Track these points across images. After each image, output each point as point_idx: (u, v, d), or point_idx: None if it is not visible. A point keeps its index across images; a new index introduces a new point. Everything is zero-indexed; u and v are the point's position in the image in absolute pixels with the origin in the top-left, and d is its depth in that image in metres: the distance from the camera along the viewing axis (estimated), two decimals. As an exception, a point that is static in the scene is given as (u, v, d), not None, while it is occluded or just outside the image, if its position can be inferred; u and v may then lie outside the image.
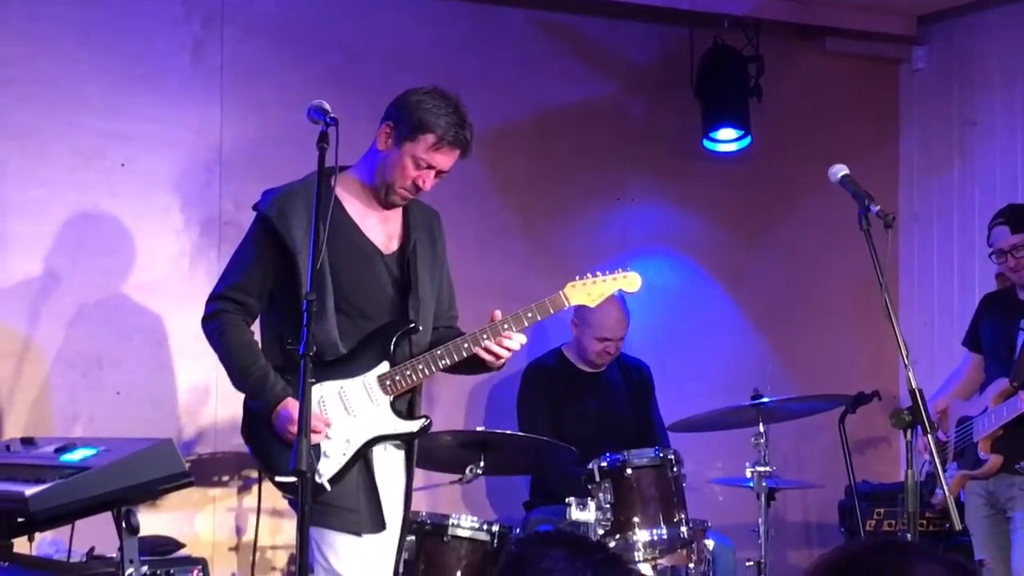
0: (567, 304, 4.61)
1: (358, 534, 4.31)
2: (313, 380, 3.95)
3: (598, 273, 4.65)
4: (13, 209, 5.90)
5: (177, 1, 6.23)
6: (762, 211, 7.43)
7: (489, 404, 6.72)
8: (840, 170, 4.51)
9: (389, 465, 4.47)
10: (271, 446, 4.34)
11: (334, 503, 4.29)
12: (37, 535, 4.61)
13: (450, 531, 5.17)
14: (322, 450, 4.28)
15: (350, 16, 6.58)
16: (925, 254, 7.58)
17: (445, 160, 4.39)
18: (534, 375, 6.36)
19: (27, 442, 4.35)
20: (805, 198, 7.33)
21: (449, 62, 6.74)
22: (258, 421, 4.38)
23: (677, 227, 7.28)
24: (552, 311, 4.57)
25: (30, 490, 3.81)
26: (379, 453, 4.43)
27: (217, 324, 4.41)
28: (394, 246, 4.50)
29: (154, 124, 6.14)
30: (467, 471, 5.17)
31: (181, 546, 5.65)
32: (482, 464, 5.17)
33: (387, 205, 4.48)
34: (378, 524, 4.34)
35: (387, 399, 4.40)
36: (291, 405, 4.25)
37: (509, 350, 4.48)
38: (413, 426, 4.45)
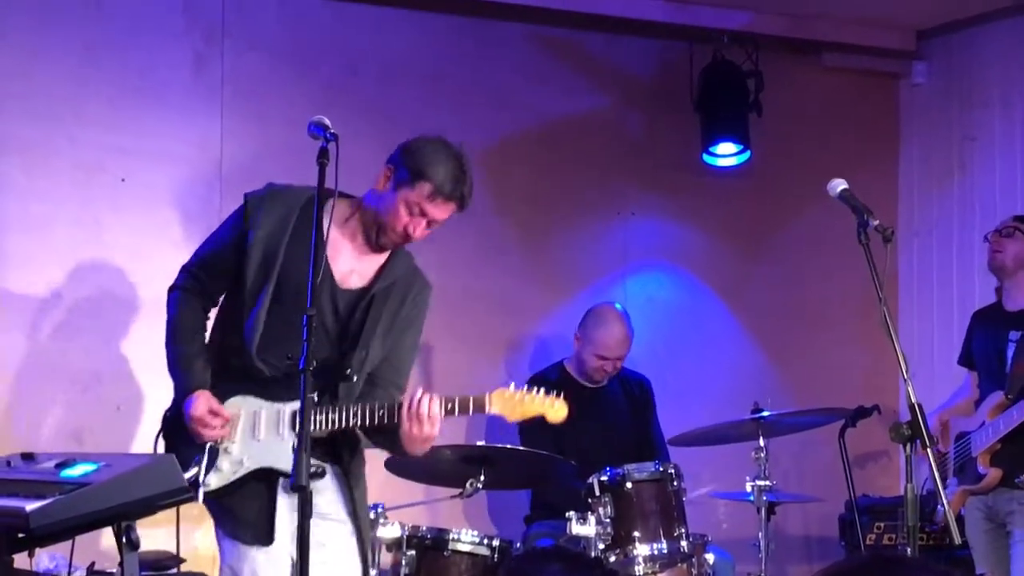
0: (487, 408, 4.34)
1: (247, 543, 4.27)
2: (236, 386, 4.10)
3: (532, 390, 4.40)
4: (14, 224, 5.92)
5: (178, 15, 6.25)
6: (762, 225, 7.44)
7: (490, 418, 6.68)
8: (839, 184, 4.51)
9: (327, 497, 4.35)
10: (178, 443, 4.30)
11: (235, 511, 4.28)
12: (37, 550, 4.60)
13: (450, 545, 5.17)
14: (216, 461, 4.26)
15: (351, 31, 6.60)
16: (924, 268, 7.59)
17: (439, 212, 4.30)
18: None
19: (27, 457, 4.34)
20: (804, 212, 7.34)
21: (450, 77, 6.76)
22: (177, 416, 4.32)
23: (677, 241, 7.29)
24: (472, 410, 4.35)
25: (30, 505, 3.80)
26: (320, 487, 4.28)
27: (175, 296, 4.43)
28: (354, 282, 4.36)
29: (155, 139, 6.16)
30: (467, 485, 5.17)
31: (181, 561, 5.65)
32: (482, 478, 5.17)
33: (377, 247, 4.38)
34: (265, 537, 4.24)
35: (292, 436, 4.23)
36: (203, 396, 4.24)
37: (431, 419, 4.24)
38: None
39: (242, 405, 4.29)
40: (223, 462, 4.27)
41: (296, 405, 4.15)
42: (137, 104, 6.14)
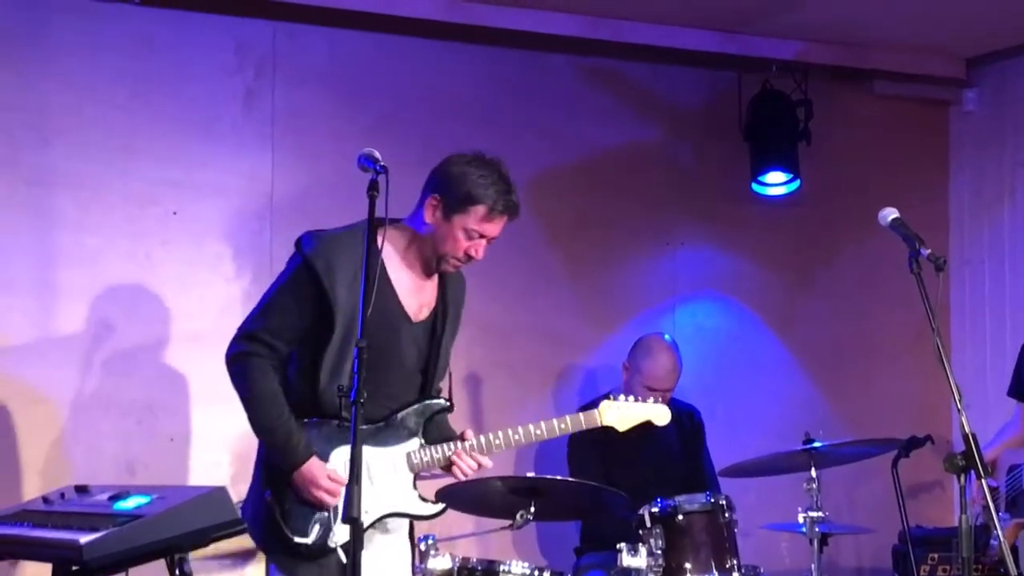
0: (600, 422, 4.77)
1: None
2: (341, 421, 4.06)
3: (629, 397, 4.86)
4: (67, 257, 5.96)
5: (229, 50, 6.30)
6: (812, 254, 7.42)
7: (540, 450, 6.70)
8: (890, 213, 4.49)
9: (390, 545, 4.46)
10: (291, 506, 4.30)
11: (307, 554, 4.28)
12: (91, 583, 4.63)
13: (501, 577, 5.15)
14: (339, 516, 4.22)
15: (400, 64, 6.63)
16: (977, 297, 7.54)
17: (496, 228, 4.40)
18: (584, 421, 6.35)
19: (81, 490, 4.38)
20: (855, 241, 7.31)
21: (498, 108, 6.78)
22: (280, 476, 4.33)
23: (726, 271, 7.27)
24: (584, 426, 4.77)
25: (84, 538, 3.84)
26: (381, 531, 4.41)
27: (246, 367, 4.35)
28: (424, 315, 4.48)
29: (206, 172, 6.20)
30: (518, 517, 5.14)
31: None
32: (532, 510, 5.14)
33: (436, 272, 4.47)
34: None
35: (410, 476, 4.41)
36: (315, 466, 4.26)
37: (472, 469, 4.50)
38: (430, 509, 4.46)
39: (348, 454, 4.31)
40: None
41: (408, 445, 4.41)
42: (188, 138, 6.19)
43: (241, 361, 4.37)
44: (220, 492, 4.08)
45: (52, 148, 5.98)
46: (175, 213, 6.16)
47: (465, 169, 4.37)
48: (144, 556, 3.97)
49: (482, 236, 4.38)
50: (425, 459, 4.40)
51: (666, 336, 6.39)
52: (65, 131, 5.99)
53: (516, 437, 4.53)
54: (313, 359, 4.32)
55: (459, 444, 4.44)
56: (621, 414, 4.76)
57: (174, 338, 6.09)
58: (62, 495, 4.40)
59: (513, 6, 6.58)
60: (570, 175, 6.90)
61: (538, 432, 4.57)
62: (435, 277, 4.51)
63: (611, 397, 4.80)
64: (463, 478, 4.48)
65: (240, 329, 4.43)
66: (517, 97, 6.87)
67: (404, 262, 4.44)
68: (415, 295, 4.45)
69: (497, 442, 4.49)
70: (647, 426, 6.28)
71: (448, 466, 4.44)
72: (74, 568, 4.08)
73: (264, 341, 4.34)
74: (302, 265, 4.35)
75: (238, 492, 6.00)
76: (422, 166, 6.43)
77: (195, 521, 3.96)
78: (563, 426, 4.63)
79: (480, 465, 4.48)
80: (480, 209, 4.34)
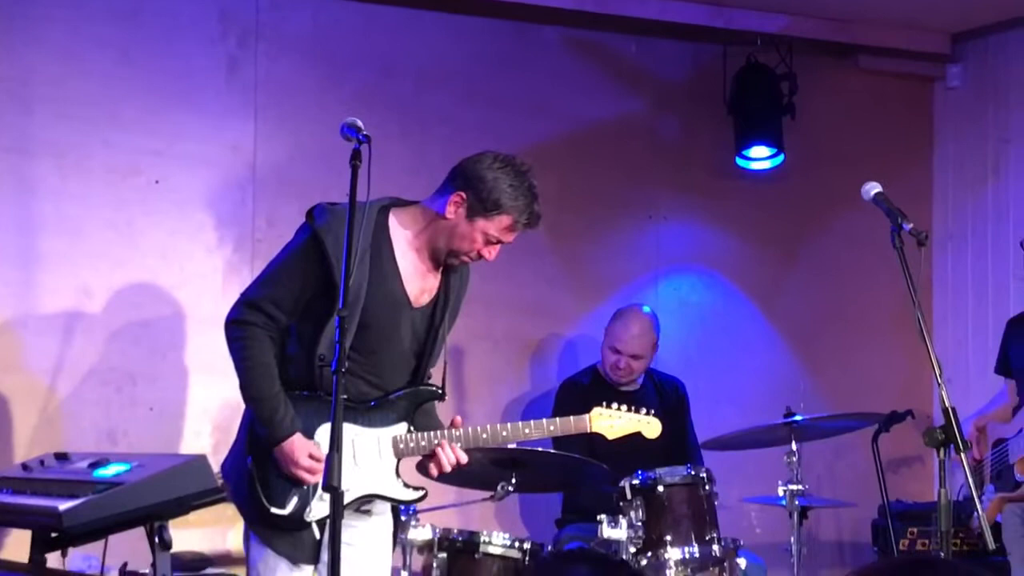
0: (588, 428, 4.68)
1: (294, 561, 4.29)
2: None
3: (622, 407, 4.73)
4: (48, 226, 5.94)
5: (213, 19, 6.27)
6: (795, 229, 7.42)
7: (522, 420, 6.71)
8: (873, 188, 4.49)
9: (373, 530, 4.46)
10: (271, 476, 4.28)
11: (282, 525, 4.28)
12: (70, 550, 4.62)
13: (481, 548, 5.17)
14: (319, 492, 4.22)
15: (384, 34, 6.61)
16: (959, 272, 7.55)
17: (513, 236, 4.41)
18: (568, 392, 6.36)
19: (61, 457, 4.38)
20: (838, 216, 7.31)
21: (483, 80, 6.77)
22: (263, 445, 4.30)
23: (710, 244, 7.28)
24: (574, 430, 4.69)
25: (64, 505, 3.84)
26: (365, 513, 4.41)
27: (243, 334, 4.29)
28: (424, 300, 4.44)
29: (188, 142, 6.18)
30: (499, 488, 5.16)
31: (213, 562, 5.67)
32: (514, 481, 5.16)
33: (444, 263, 4.44)
34: (315, 557, 4.31)
35: (394, 460, 4.37)
36: (297, 443, 4.23)
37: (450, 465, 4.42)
38: (411, 495, 4.42)
39: None
40: (324, 492, 4.24)
41: (395, 429, 4.38)
42: (171, 107, 6.17)
43: (239, 328, 4.32)
44: (200, 461, 4.08)
45: (34, 116, 5.95)
46: (157, 182, 6.13)
47: (498, 175, 4.33)
48: (123, 523, 3.97)
49: (499, 241, 4.38)
50: (411, 445, 4.37)
51: (645, 308, 6.41)
52: (48, 100, 5.96)
53: (504, 433, 4.51)
54: (313, 333, 4.29)
55: (446, 433, 4.42)
56: (612, 423, 4.70)
57: (155, 307, 6.08)
58: (42, 462, 4.39)
59: (499, -23, 6.57)
60: (554, 147, 6.88)
61: (527, 431, 4.54)
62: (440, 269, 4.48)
63: (603, 404, 4.76)
64: (443, 470, 4.42)
65: (243, 295, 4.39)
66: (502, 68, 6.85)
67: (412, 246, 4.39)
68: (418, 280, 4.41)
69: (484, 436, 4.46)
70: (630, 398, 6.33)
71: (431, 455, 4.43)
72: (53, 535, 4.09)
73: (265, 311, 4.30)
74: (311, 237, 4.30)
75: (218, 462, 6.00)
76: (406, 136, 6.48)
77: (175, 489, 3.97)
78: (552, 428, 4.61)
79: (460, 462, 4.44)
80: (505, 219, 4.33)
